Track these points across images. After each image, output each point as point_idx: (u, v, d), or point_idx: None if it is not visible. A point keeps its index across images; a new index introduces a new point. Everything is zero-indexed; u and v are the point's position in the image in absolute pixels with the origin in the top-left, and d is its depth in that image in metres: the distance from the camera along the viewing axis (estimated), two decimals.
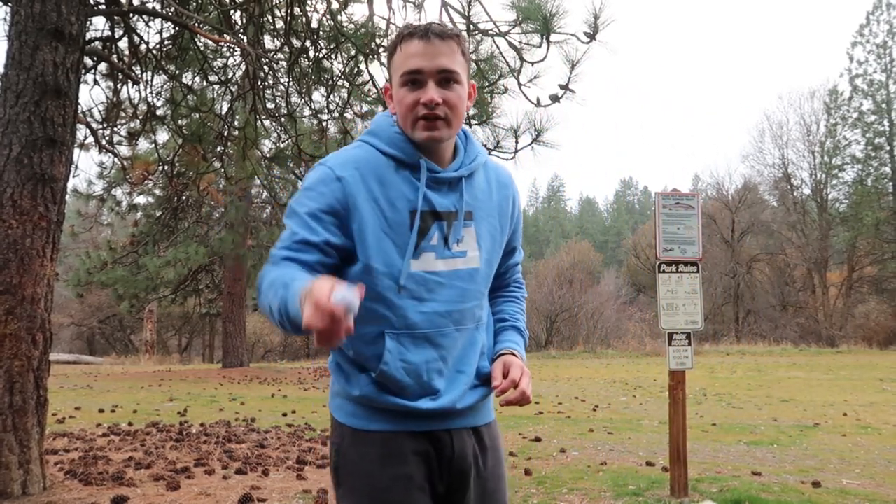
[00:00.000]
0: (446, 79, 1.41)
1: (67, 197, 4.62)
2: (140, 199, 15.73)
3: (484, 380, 1.52)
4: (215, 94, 7.36)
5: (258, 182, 11.40)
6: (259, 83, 6.60)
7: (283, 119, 7.52)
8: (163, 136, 8.46)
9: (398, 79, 1.43)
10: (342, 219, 1.40)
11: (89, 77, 6.44)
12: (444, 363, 1.45)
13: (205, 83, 7.07)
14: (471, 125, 5.65)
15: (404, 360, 1.41)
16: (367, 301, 1.36)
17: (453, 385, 1.46)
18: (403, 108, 1.43)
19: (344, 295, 1.10)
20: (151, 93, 6.60)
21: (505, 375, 1.48)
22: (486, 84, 5.44)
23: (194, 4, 6.35)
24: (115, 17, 5.87)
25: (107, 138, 7.20)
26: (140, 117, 6.92)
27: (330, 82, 6.85)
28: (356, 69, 6.52)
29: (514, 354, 1.54)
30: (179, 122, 6.84)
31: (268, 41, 7.16)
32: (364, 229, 1.39)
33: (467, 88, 1.48)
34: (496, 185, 1.56)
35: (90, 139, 7.15)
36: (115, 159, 7.81)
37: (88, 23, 4.85)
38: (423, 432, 1.45)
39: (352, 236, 1.40)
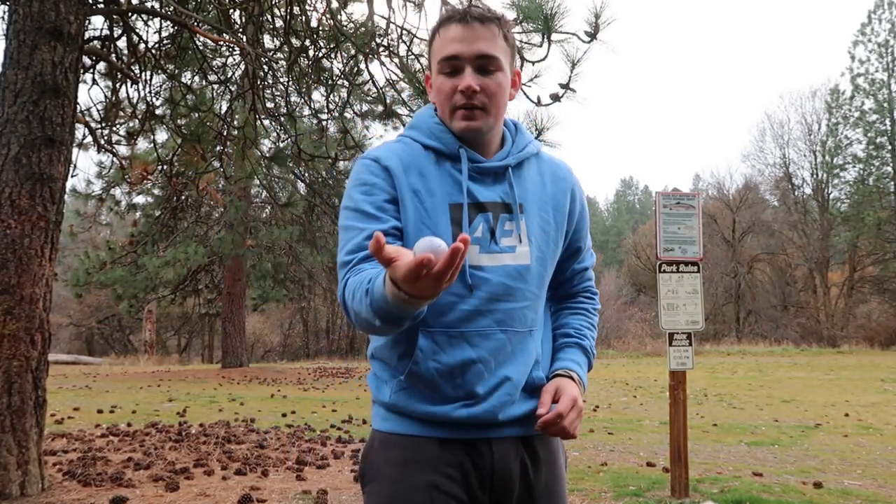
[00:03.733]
0: (485, 66, 1.34)
1: (66, 197, 4.60)
2: (139, 199, 15.72)
3: (536, 391, 1.38)
4: (214, 94, 7.34)
5: (258, 182, 11.39)
6: (258, 83, 6.58)
7: (282, 119, 7.51)
8: (162, 135, 8.46)
9: (436, 65, 1.37)
10: (398, 207, 1.34)
11: (88, 76, 6.43)
12: (485, 367, 1.31)
13: (204, 83, 7.06)
14: None
15: (437, 361, 1.30)
16: None
17: (496, 392, 1.32)
18: (441, 97, 1.36)
19: (434, 242, 1.01)
20: (150, 92, 6.58)
21: (555, 402, 1.34)
22: None
23: (193, 3, 6.33)
24: (114, 17, 5.85)
25: (105, 138, 7.18)
26: (139, 117, 6.91)
27: (329, 82, 6.83)
28: (356, 69, 6.51)
29: (571, 378, 1.39)
30: (178, 121, 6.83)
31: (267, 40, 7.14)
32: (406, 221, 1.33)
33: (510, 76, 1.40)
34: (550, 177, 1.46)
35: (89, 139, 7.13)
36: (114, 159, 7.78)
37: (87, 22, 4.84)
38: (458, 440, 1.33)
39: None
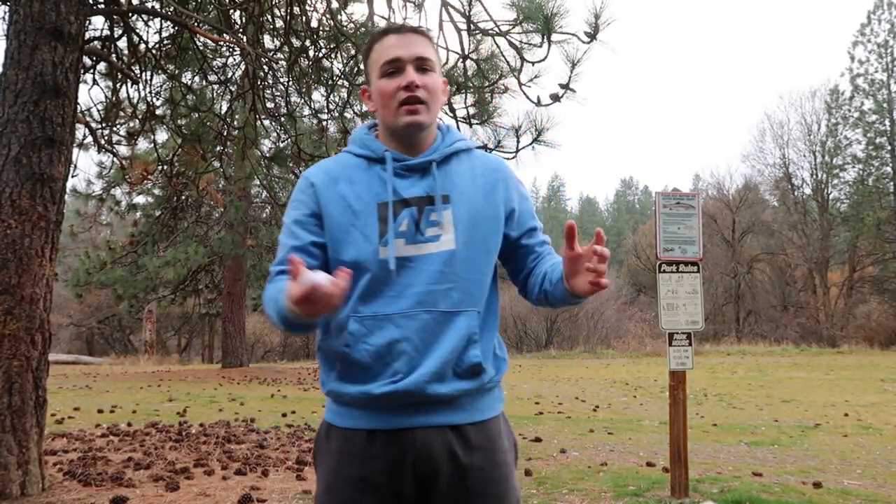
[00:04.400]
0: (423, 66, 1.48)
1: (66, 197, 4.60)
2: (139, 199, 15.71)
3: (472, 373, 1.45)
4: (215, 94, 7.34)
5: (258, 182, 11.39)
6: (259, 83, 6.58)
7: (282, 119, 7.51)
8: (162, 135, 8.44)
9: (377, 71, 1.49)
10: (320, 219, 1.49)
11: (88, 76, 6.43)
12: (410, 345, 1.41)
13: (204, 83, 7.06)
14: (471, 125, 5.63)
15: (367, 342, 1.42)
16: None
17: (420, 368, 1.40)
18: (385, 98, 1.48)
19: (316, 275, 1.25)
20: (151, 92, 6.58)
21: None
22: (487, 83, 5.43)
23: (193, 4, 6.33)
24: (115, 17, 5.85)
25: (106, 138, 7.18)
26: (139, 117, 6.91)
27: (330, 82, 6.83)
28: (356, 69, 6.51)
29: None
30: (179, 121, 6.83)
31: (267, 41, 7.15)
32: (333, 226, 1.47)
33: (441, 82, 1.53)
34: (481, 170, 1.56)
35: (89, 139, 7.14)
36: (115, 159, 7.79)
37: (87, 22, 4.84)
38: (383, 430, 1.42)
39: (325, 233, 1.49)
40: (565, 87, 4.88)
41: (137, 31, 6.25)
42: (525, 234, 1.61)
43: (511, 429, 1.59)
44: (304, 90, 7.14)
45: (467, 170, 1.54)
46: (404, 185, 1.48)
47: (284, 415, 8.42)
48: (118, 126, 7.26)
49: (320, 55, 6.58)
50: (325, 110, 7.22)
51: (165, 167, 8.24)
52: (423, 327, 1.42)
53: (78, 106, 4.74)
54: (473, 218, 1.50)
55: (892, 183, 32.43)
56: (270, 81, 7.22)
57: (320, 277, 1.23)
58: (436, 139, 1.56)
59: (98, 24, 6.22)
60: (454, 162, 1.54)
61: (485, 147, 5.55)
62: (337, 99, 7.17)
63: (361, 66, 6.41)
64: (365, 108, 6.99)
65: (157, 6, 6.23)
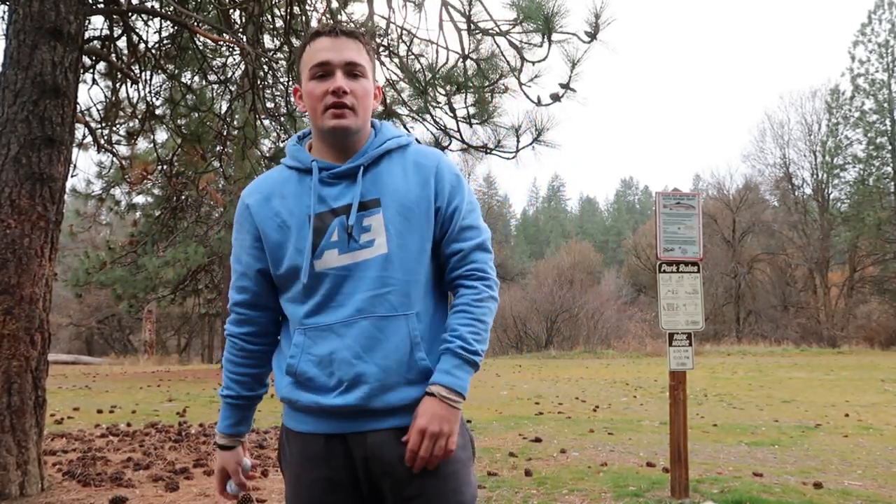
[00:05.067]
0: (353, 72, 1.48)
1: (66, 196, 4.60)
2: (139, 199, 15.70)
3: (423, 377, 1.44)
4: (214, 94, 7.34)
5: None
6: (258, 82, 6.58)
7: (282, 118, 7.50)
8: (162, 135, 8.44)
9: (307, 73, 1.49)
10: (260, 241, 1.52)
11: (88, 76, 6.43)
12: (349, 353, 1.41)
13: (204, 82, 7.05)
14: (471, 125, 5.62)
15: (310, 353, 1.45)
16: (286, 302, 1.51)
17: (363, 378, 1.41)
18: (313, 100, 1.48)
19: (232, 489, 1.63)
20: (150, 92, 6.58)
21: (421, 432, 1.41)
22: (487, 83, 5.42)
23: (193, 3, 6.33)
24: (114, 17, 5.85)
25: (105, 138, 7.18)
26: (139, 117, 6.90)
27: None
28: None
29: (431, 394, 1.41)
30: (178, 121, 6.82)
31: (267, 40, 7.14)
32: (270, 244, 1.50)
33: (373, 87, 1.54)
34: (413, 166, 1.52)
35: (89, 139, 7.13)
36: (114, 159, 7.78)
37: (87, 22, 4.83)
38: (338, 435, 1.46)
39: (265, 252, 1.52)
40: (565, 86, 4.88)
41: (137, 30, 6.24)
42: (450, 236, 1.52)
43: (466, 426, 1.54)
44: None
45: (399, 168, 1.51)
46: (333, 194, 1.47)
47: None
48: (118, 126, 7.25)
49: None
50: None
51: (165, 167, 8.24)
52: (362, 334, 1.42)
53: (77, 106, 4.74)
54: (406, 219, 1.47)
55: (892, 183, 32.43)
56: (270, 81, 7.21)
57: (232, 493, 1.66)
58: (367, 141, 1.54)
59: (98, 23, 6.22)
60: (385, 162, 1.51)
61: (485, 147, 5.54)
62: None
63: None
64: None
65: (157, 6, 6.23)
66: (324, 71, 1.47)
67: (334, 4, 6.25)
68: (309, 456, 1.48)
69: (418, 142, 1.71)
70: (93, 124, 6.91)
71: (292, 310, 1.50)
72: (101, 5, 5.52)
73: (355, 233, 1.45)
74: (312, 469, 1.47)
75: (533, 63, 5.08)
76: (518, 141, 5.30)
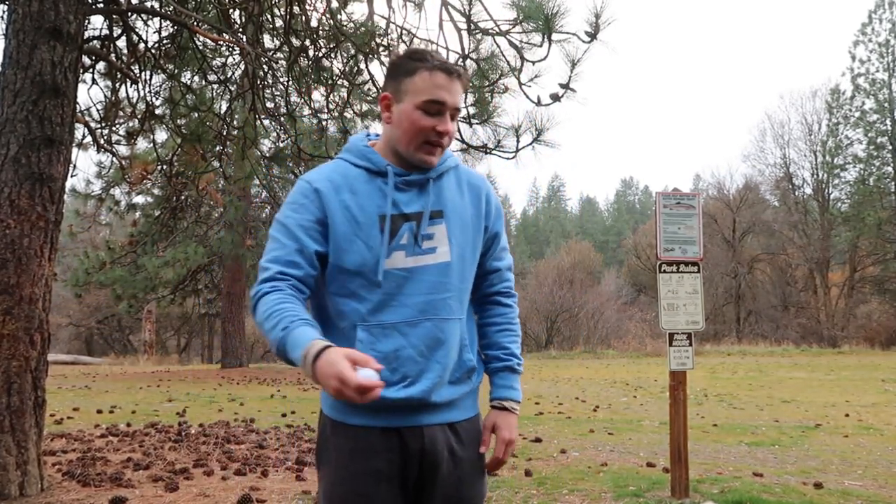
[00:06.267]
0: (455, 115, 1.59)
1: (66, 196, 4.59)
2: (139, 199, 15.68)
3: (468, 376, 1.62)
4: (214, 94, 7.33)
5: (257, 182, 11.39)
6: (258, 82, 6.57)
7: (282, 118, 7.49)
8: (161, 135, 8.43)
9: (418, 101, 1.54)
10: (324, 226, 1.55)
11: (87, 76, 6.42)
12: (415, 351, 1.53)
13: (204, 82, 7.05)
14: (471, 125, 5.62)
15: (375, 349, 1.51)
16: (341, 298, 1.55)
17: (426, 374, 1.54)
18: (415, 129, 1.55)
19: (368, 374, 1.30)
20: (150, 92, 6.57)
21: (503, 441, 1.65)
22: (487, 83, 5.41)
23: (193, 3, 6.32)
24: (114, 16, 5.84)
25: (105, 137, 7.17)
26: (139, 116, 6.90)
27: (329, 81, 6.82)
28: (356, 68, 6.50)
29: (505, 409, 1.66)
30: (178, 121, 6.82)
31: (267, 40, 7.13)
32: (337, 234, 1.54)
33: None
34: (467, 185, 1.67)
35: (88, 138, 7.12)
36: (114, 159, 7.77)
37: (87, 21, 4.83)
38: (395, 428, 1.55)
39: (328, 241, 1.55)
40: (565, 86, 4.87)
41: (137, 30, 6.23)
42: (491, 254, 1.72)
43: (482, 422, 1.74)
44: (303, 90, 7.12)
45: (455, 185, 1.65)
46: (404, 200, 1.57)
47: (284, 415, 8.41)
48: (117, 126, 7.25)
49: (320, 55, 6.57)
50: (325, 110, 7.21)
51: (165, 167, 8.24)
52: (426, 334, 1.54)
53: (77, 105, 4.74)
54: (464, 233, 1.62)
55: (893, 183, 32.41)
56: (270, 81, 7.21)
57: (366, 378, 1.29)
58: None
59: (97, 23, 6.23)
60: (445, 178, 1.64)
61: (485, 147, 5.54)
62: (337, 99, 7.16)
63: (361, 66, 6.43)
64: (364, 108, 6.99)
65: (157, 5, 6.22)
66: (436, 109, 1.54)
67: (334, 4, 6.24)
68: (361, 448, 1.54)
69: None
70: (92, 124, 6.90)
71: (347, 305, 1.54)
72: (101, 5, 5.51)
73: (420, 239, 1.56)
74: (364, 461, 1.53)
75: (533, 63, 5.07)
76: (518, 141, 5.29)
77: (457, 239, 1.60)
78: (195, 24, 5.62)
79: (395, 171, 1.57)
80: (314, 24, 6.41)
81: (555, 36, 4.76)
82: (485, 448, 1.65)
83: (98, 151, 7.29)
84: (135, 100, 6.82)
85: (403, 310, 1.53)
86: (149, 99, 6.62)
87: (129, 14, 5.89)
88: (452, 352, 1.58)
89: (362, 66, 6.35)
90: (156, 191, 15.96)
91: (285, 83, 7.14)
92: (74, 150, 5.94)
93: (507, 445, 1.65)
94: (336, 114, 7.08)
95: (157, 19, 6.29)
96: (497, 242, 1.72)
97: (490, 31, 5.25)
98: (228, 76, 7.61)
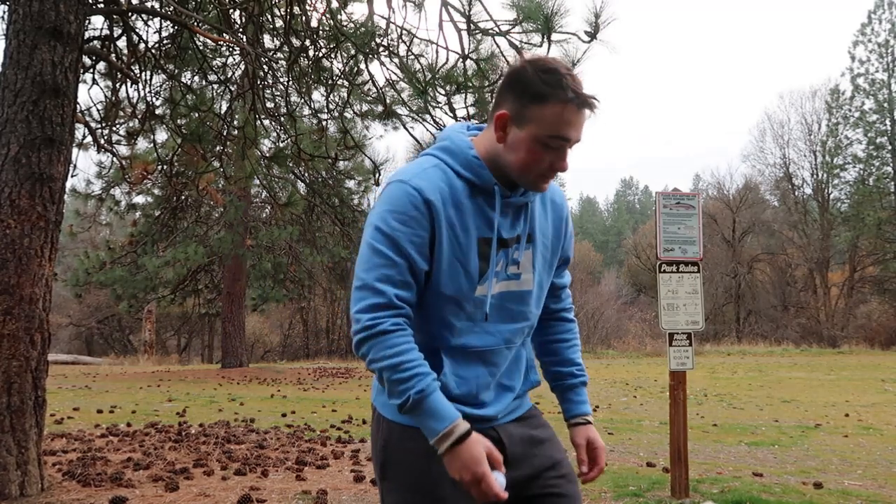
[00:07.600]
0: (572, 147, 1.50)
1: (66, 196, 4.59)
2: (139, 199, 15.71)
3: (531, 389, 1.65)
4: (214, 94, 7.34)
5: (257, 182, 11.39)
6: (258, 82, 6.58)
7: (282, 118, 7.49)
8: (162, 135, 8.43)
9: (542, 135, 1.40)
10: (432, 245, 1.42)
11: (88, 76, 6.42)
12: (492, 378, 1.53)
13: (204, 82, 7.05)
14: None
15: (456, 374, 1.47)
16: (430, 322, 1.46)
17: (499, 399, 1.54)
18: (532, 161, 1.42)
19: (502, 481, 1.35)
20: (150, 92, 6.57)
21: (592, 459, 1.63)
22: (487, 83, 5.41)
23: (193, 3, 6.32)
24: (114, 16, 5.84)
25: (105, 138, 7.17)
26: (139, 117, 6.90)
27: (329, 81, 6.82)
28: (356, 68, 6.50)
29: (589, 422, 1.67)
30: (178, 121, 6.81)
31: (267, 40, 7.14)
32: (441, 255, 1.42)
33: None
34: (550, 205, 1.60)
35: (89, 139, 7.12)
36: (114, 159, 7.77)
37: (87, 22, 4.83)
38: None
39: (431, 260, 1.43)
40: None
41: (137, 30, 6.23)
42: (559, 273, 1.71)
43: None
44: (303, 90, 7.13)
45: (540, 205, 1.58)
46: (505, 224, 1.48)
47: (284, 415, 8.42)
48: (118, 126, 7.25)
49: (320, 55, 6.57)
50: (325, 110, 7.22)
51: (165, 167, 8.24)
52: (503, 362, 1.54)
53: (77, 105, 4.74)
54: (545, 257, 1.58)
55: (892, 183, 32.42)
56: (270, 81, 7.21)
57: (502, 488, 1.34)
58: None
59: (97, 23, 6.22)
60: (531, 195, 1.56)
61: None
62: (337, 99, 7.17)
63: (361, 66, 6.43)
64: (365, 108, 6.98)
65: (157, 6, 6.22)
66: (559, 145, 1.41)
67: (334, 4, 6.24)
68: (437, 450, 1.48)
69: None
70: (93, 124, 6.90)
71: (434, 328, 1.46)
72: (101, 5, 5.51)
73: (510, 264, 1.50)
74: (441, 462, 1.41)
75: None
76: None
77: (539, 265, 1.55)
78: (195, 24, 5.62)
79: (501, 193, 1.46)
80: (314, 24, 6.41)
81: (554, 36, 4.75)
82: (586, 468, 1.63)
83: (98, 151, 7.29)
84: (135, 100, 6.83)
85: (488, 337, 1.49)
86: (149, 99, 6.62)
87: (130, 14, 5.90)
88: (522, 374, 1.60)
89: (362, 66, 6.36)
90: (156, 191, 15.98)
91: (285, 83, 7.15)
92: (74, 150, 5.94)
93: (603, 454, 1.67)
94: (336, 114, 7.08)
95: (157, 19, 6.29)
96: (566, 264, 1.71)
97: (490, 31, 5.25)
98: (228, 76, 7.62)
